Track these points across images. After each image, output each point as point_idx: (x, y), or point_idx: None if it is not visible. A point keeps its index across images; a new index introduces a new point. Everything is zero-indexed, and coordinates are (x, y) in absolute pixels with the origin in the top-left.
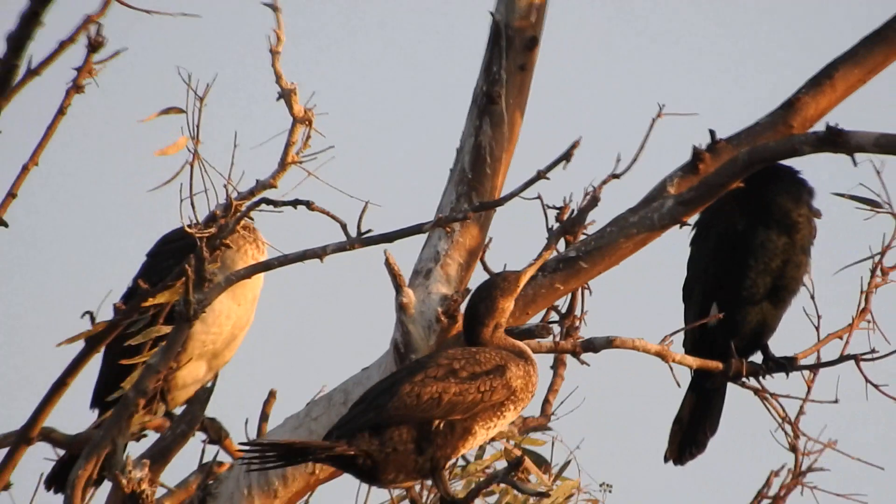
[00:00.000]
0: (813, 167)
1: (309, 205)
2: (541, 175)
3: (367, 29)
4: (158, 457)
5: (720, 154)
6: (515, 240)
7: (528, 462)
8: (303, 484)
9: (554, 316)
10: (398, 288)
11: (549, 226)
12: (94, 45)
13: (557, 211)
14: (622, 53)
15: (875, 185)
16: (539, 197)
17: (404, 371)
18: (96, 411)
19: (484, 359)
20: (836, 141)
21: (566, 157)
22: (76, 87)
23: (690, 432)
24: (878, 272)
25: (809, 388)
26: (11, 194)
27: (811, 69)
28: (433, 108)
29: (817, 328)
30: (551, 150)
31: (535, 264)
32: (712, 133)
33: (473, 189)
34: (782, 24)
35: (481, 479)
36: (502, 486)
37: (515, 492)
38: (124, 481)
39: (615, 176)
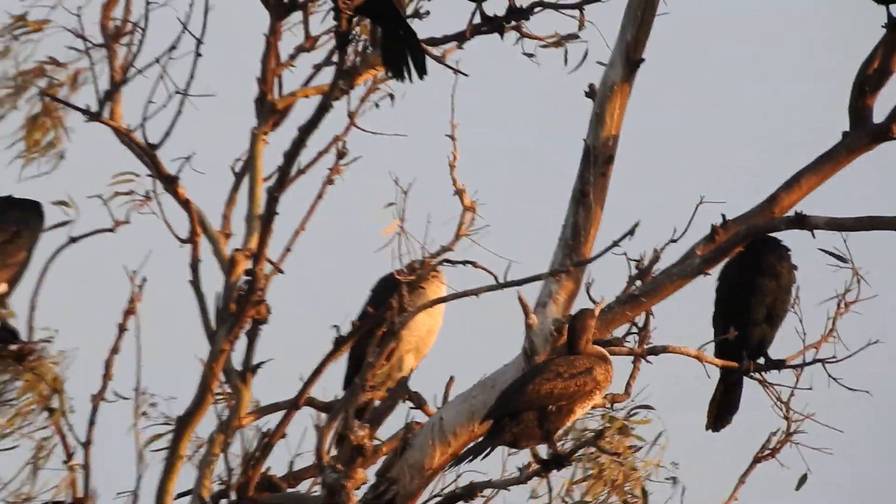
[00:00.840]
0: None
1: (474, 263)
2: (615, 243)
3: (515, 142)
4: (376, 420)
5: (729, 229)
6: (604, 278)
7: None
8: (467, 437)
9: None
10: (526, 314)
11: (630, 272)
12: (340, 155)
13: (636, 261)
14: (672, 154)
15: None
16: (625, 253)
17: (528, 375)
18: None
19: (579, 363)
20: (801, 222)
21: (630, 233)
22: (329, 181)
23: (721, 410)
24: (842, 305)
25: (797, 380)
26: (288, 249)
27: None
28: (548, 198)
29: (803, 341)
30: (623, 223)
31: (600, 304)
32: (724, 216)
33: (573, 251)
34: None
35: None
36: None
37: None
38: (352, 437)
39: (673, 241)
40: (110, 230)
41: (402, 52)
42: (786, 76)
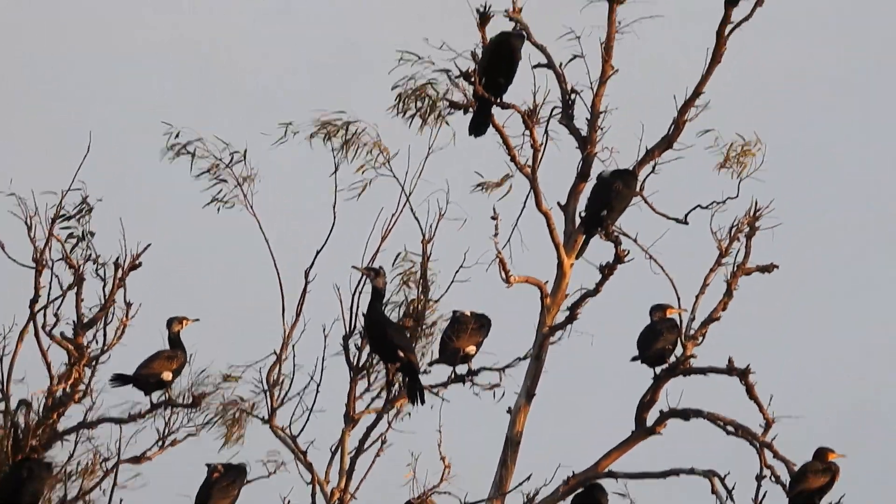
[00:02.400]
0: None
1: (449, 493)
2: (518, 486)
3: None
4: None
5: (576, 478)
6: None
7: None
8: None
9: None
10: None
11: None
12: (383, 442)
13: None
14: (550, 434)
15: None
16: (521, 491)
17: None
18: None
19: None
20: (612, 475)
21: (526, 479)
22: (377, 455)
23: None
24: None
25: None
26: (357, 487)
27: None
28: (488, 461)
29: None
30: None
31: None
32: (573, 471)
33: (499, 488)
34: None
35: None
36: None
37: None
38: None
39: (545, 485)
40: (269, 476)
41: (416, 390)
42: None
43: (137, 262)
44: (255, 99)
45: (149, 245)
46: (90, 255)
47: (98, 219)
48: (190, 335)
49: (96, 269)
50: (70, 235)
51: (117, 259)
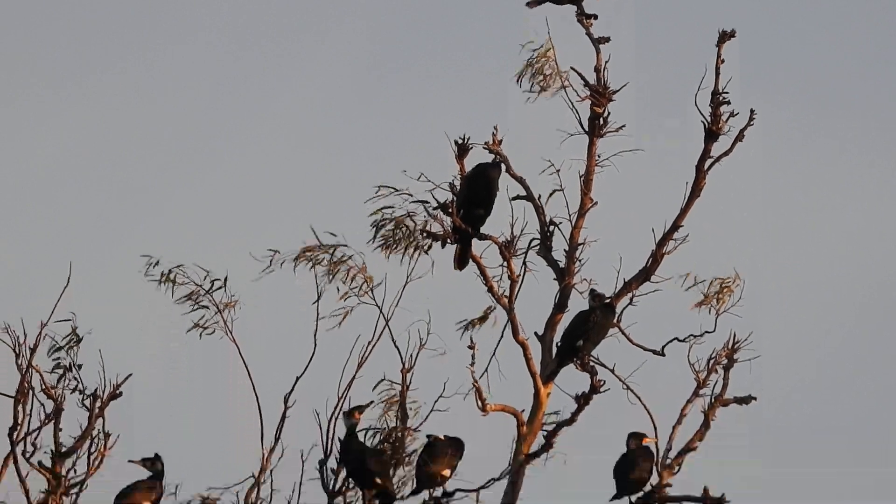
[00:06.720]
0: None
1: None
2: None
3: None
4: None
5: None
6: None
7: None
8: None
9: None
10: None
11: None
12: None
13: None
14: None
15: None
16: None
17: None
18: None
19: None
20: None
21: None
22: None
23: None
24: None
25: None
26: None
27: None
28: None
29: None
30: None
31: None
32: None
33: None
34: None
35: None
36: None
37: None
38: None
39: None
40: None
41: None
42: None
43: (118, 391)
44: (240, 224)
45: (130, 375)
46: (76, 386)
47: (83, 348)
48: (169, 459)
49: (82, 400)
50: (57, 366)
51: (95, 390)
